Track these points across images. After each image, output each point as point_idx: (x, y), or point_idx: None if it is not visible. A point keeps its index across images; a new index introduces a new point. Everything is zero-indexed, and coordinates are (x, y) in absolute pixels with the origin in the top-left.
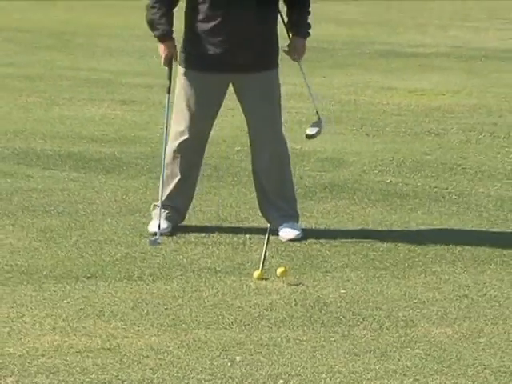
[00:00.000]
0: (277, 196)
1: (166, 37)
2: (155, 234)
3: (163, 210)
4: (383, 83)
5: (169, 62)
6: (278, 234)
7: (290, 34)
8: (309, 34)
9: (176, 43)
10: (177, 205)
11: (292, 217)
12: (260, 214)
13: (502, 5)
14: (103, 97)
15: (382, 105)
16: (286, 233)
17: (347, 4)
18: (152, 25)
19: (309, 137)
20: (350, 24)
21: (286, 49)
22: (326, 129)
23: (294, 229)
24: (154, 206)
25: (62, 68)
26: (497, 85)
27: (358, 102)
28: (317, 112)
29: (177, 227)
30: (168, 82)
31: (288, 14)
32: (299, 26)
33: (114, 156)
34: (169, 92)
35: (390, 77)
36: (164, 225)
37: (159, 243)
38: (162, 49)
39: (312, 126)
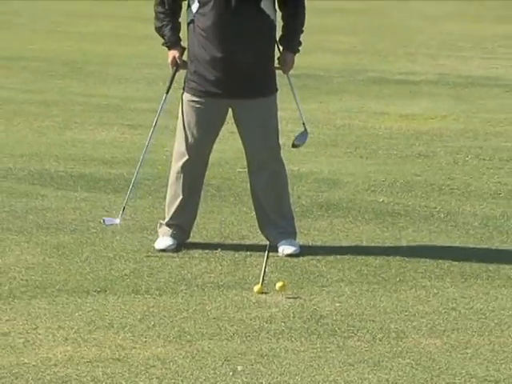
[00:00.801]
0: (275, 214)
1: (170, 45)
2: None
3: (167, 229)
4: (376, 108)
5: (173, 66)
6: (277, 250)
7: (281, 48)
8: (298, 51)
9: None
10: (181, 223)
11: (290, 234)
12: (260, 232)
13: (487, 36)
14: (113, 121)
15: (374, 129)
16: (285, 249)
17: (342, 35)
18: (159, 33)
19: (295, 146)
20: (344, 53)
21: (277, 64)
22: (308, 140)
23: (292, 245)
24: (160, 224)
25: (74, 94)
26: (482, 110)
27: (352, 126)
28: (303, 123)
29: (182, 244)
30: (168, 83)
31: (282, 29)
32: (290, 41)
33: (122, 177)
34: (167, 92)
35: (382, 102)
36: (169, 242)
37: (114, 223)
38: (168, 55)
39: (298, 136)
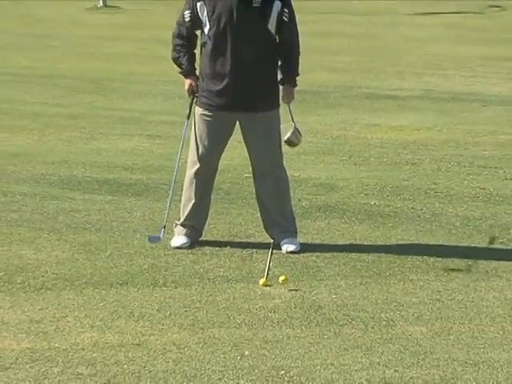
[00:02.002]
0: (278, 215)
1: (186, 74)
2: (157, 238)
3: (181, 229)
4: (368, 121)
5: (190, 93)
6: (280, 248)
7: (282, 83)
8: (296, 85)
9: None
10: (194, 224)
11: (292, 233)
12: (265, 231)
13: (467, 56)
14: (134, 132)
15: (366, 139)
16: (287, 246)
17: (338, 55)
18: (176, 63)
19: (288, 143)
20: (340, 71)
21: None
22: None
23: (294, 243)
24: (176, 224)
25: (99, 108)
26: (463, 122)
27: (347, 136)
28: (295, 125)
29: (195, 242)
30: (188, 109)
31: (281, 67)
32: (289, 77)
33: (142, 182)
34: (188, 118)
35: (373, 115)
36: (184, 240)
37: (159, 241)
38: (184, 82)
39: (289, 132)
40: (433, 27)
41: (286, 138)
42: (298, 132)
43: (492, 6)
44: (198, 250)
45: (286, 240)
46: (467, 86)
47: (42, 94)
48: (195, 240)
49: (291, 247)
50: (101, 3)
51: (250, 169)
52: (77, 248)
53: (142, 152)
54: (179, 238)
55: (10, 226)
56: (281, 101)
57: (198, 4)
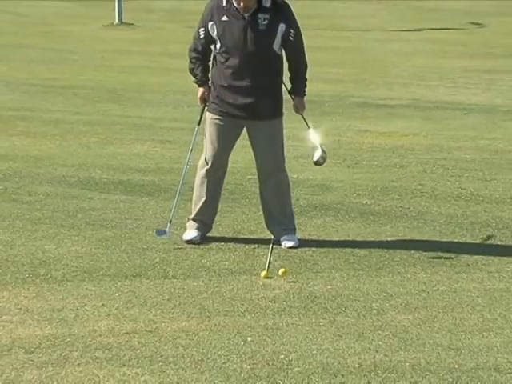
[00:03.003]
0: (279, 214)
1: (200, 84)
2: (163, 232)
3: (193, 223)
4: (360, 127)
5: (202, 101)
6: (280, 243)
7: (292, 96)
8: (305, 94)
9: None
10: (204, 219)
11: (291, 230)
12: (266, 228)
13: (449, 69)
14: (146, 137)
15: (359, 144)
16: (286, 242)
17: (333, 68)
18: (191, 73)
19: (316, 163)
20: (334, 82)
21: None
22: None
23: (293, 240)
24: (188, 219)
25: (115, 116)
26: (446, 129)
27: (341, 141)
28: (320, 145)
29: (205, 236)
30: (199, 116)
31: (290, 80)
32: (298, 90)
33: (154, 183)
34: (199, 124)
35: (365, 122)
36: (195, 234)
37: (165, 235)
38: (198, 91)
39: (317, 154)
40: (418, 42)
41: (315, 160)
42: (324, 153)
43: (472, 23)
44: (205, 245)
45: (285, 236)
46: (450, 96)
47: (63, 103)
48: (205, 233)
49: (290, 243)
50: (117, 21)
51: (253, 171)
52: (94, 243)
53: (153, 156)
54: (190, 232)
55: (33, 223)
56: (294, 111)
57: (210, 24)
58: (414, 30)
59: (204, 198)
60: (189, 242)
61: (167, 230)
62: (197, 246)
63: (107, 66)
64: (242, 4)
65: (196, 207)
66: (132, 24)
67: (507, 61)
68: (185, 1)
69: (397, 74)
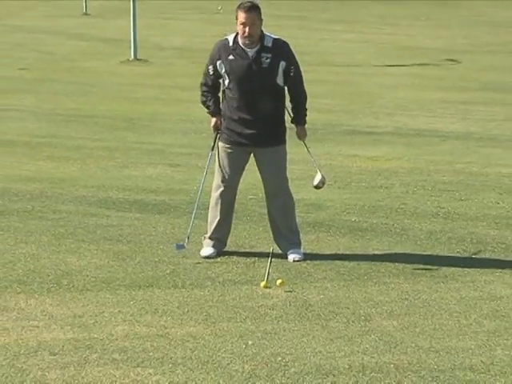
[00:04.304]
0: (286, 230)
1: (213, 114)
2: (182, 246)
3: (209, 241)
4: (349, 152)
5: (215, 129)
6: (287, 257)
7: (294, 124)
8: (305, 122)
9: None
10: (219, 236)
11: (296, 244)
12: (265, 243)
13: (428, 100)
14: (158, 161)
15: (348, 167)
16: (294, 256)
17: (324, 99)
18: (204, 105)
19: (316, 187)
20: (326, 112)
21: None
22: (327, 181)
23: (298, 253)
24: (204, 237)
25: (130, 142)
26: (426, 154)
27: (332, 165)
28: (319, 170)
29: (221, 252)
30: (213, 143)
31: (292, 110)
32: (299, 119)
33: (165, 202)
34: (212, 149)
35: (354, 148)
36: (211, 251)
37: (183, 249)
38: (211, 120)
39: (317, 179)
40: (400, 76)
41: (315, 184)
42: (324, 177)
43: (448, 60)
44: (210, 258)
45: (292, 250)
46: (429, 124)
47: (84, 130)
48: (220, 250)
49: (297, 257)
50: (132, 57)
51: (253, 192)
52: (111, 256)
53: (164, 178)
54: (207, 249)
55: (57, 238)
56: (297, 138)
57: (218, 62)
58: (397, 66)
59: (218, 218)
60: (206, 258)
61: (185, 244)
62: (203, 259)
63: (123, 97)
64: (246, 33)
65: (211, 226)
66: (146, 60)
67: (480, 93)
68: (192, 39)
69: (382, 104)
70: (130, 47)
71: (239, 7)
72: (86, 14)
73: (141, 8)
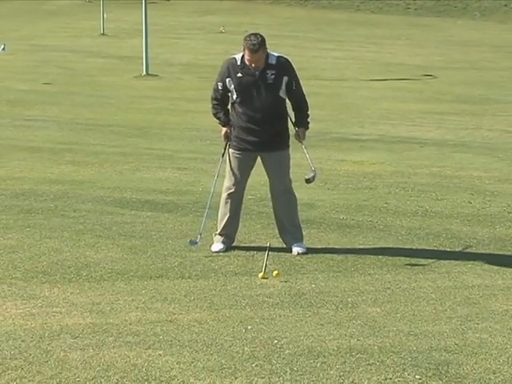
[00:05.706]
0: (290, 225)
1: (224, 124)
2: (195, 242)
3: (219, 237)
4: (338, 157)
5: (225, 138)
6: (291, 250)
7: (296, 128)
8: (308, 127)
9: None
10: (228, 233)
11: (300, 238)
12: (264, 238)
13: (409, 111)
14: (167, 166)
15: (337, 170)
16: (297, 249)
17: (315, 109)
18: (215, 117)
19: (307, 181)
20: (317, 121)
21: (295, 136)
22: (318, 176)
23: (302, 247)
24: (215, 234)
25: (142, 148)
26: (406, 159)
27: (323, 169)
28: (312, 166)
29: (230, 247)
30: (223, 150)
31: (294, 115)
32: (301, 123)
33: (173, 202)
34: (222, 156)
35: (342, 153)
36: (221, 246)
37: (196, 244)
38: (221, 130)
39: (309, 174)
40: (383, 90)
41: (306, 178)
42: (316, 174)
43: (426, 75)
44: (214, 252)
45: (295, 244)
46: (409, 132)
47: (102, 138)
48: (229, 245)
49: (301, 250)
50: (144, 72)
51: (252, 192)
52: (126, 250)
53: (173, 180)
54: (217, 245)
55: (77, 234)
56: (296, 139)
57: (227, 79)
58: (380, 80)
59: (228, 215)
60: (216, 253)
61: (198, 240)
62: (208, 252)
63: (136, 108)
64: (253, 65)
65: (221, 223)
66: (156, 75)
67: (454, 105)
68: (198, 57)
69: (367, 114)
70: (143, 64)
71: (247, 45)
72: (103, 34)
73: (152, 29)
